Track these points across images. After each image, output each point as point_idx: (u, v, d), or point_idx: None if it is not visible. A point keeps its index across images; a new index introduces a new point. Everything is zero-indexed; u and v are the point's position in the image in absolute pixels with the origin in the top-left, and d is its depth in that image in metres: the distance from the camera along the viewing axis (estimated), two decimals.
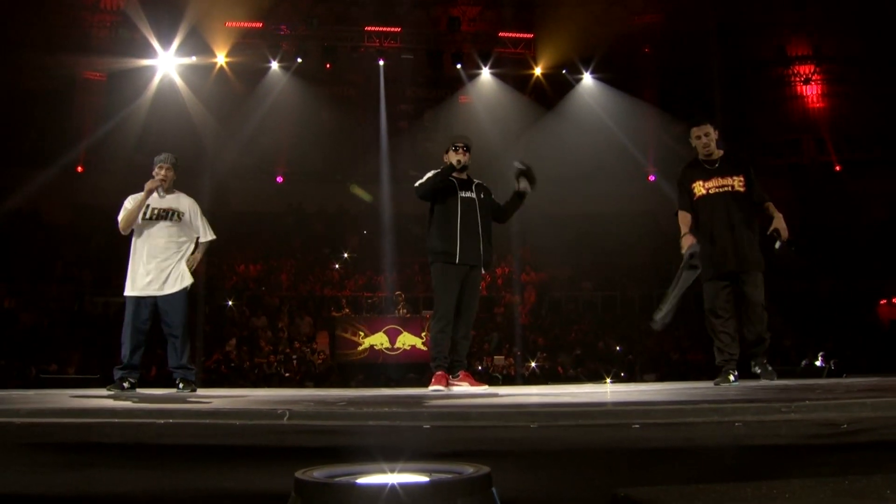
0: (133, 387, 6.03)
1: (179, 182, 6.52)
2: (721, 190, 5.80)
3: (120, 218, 6.23)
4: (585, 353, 17.91)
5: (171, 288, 6.14)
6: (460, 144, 6.22)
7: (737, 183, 5.81)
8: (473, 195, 6.22)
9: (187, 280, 6.23)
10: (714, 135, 5.94)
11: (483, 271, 6.30)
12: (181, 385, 6.10)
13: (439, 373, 5.96)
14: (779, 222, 5.77)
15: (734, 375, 5.77)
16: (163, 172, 6.32)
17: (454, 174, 6.21)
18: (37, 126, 19.83)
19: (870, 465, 2.26)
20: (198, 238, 6.42)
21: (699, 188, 5.88)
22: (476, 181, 6.35)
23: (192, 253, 6.36)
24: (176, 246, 6.25)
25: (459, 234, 6.08)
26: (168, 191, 6.38)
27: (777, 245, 5.72)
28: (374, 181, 21.85)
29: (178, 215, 6.30)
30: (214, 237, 6.50)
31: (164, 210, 6.27)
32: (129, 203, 6.26)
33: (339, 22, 21.09)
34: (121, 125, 19.70)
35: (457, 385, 6.02)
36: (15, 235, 18.74)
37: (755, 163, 6.03)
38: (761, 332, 5.83)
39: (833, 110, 23.28)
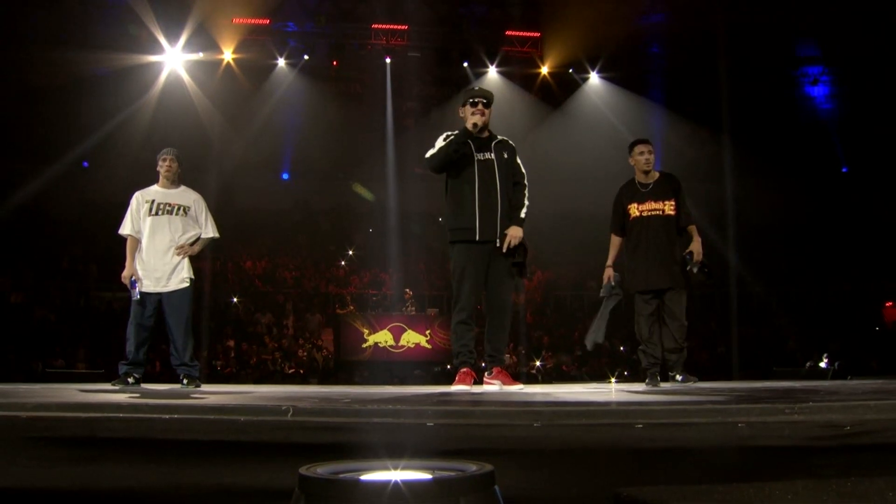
0: (137, 382, 6.02)
1: (186, 178, 6.52)
2: (653, 213, 6.21)
3: (123, 225, 6.26)
4: (589, 353, 17.90)
5: (176, 285, 6.13)
6: (479, 100, 5.39)
7: (667, 207, 6.21)
8: (492, 156, 5.38)
9: (189, 273, 6.20)
10: (652, 155, 6.37)
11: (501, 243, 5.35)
12: (185, 381, 6.11)
13: (463, 370, 5.28)
14: (696, 245, 6.25)
15: (659, 377, 6.16)
16: (167, 164, 6.32)
17: (475, 132, 5.39)
18: (44, 122, 19.84)
19: (873, 467, 2.26)
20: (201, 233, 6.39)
21: (634, 210, 6.27)
22: (498, 138, 5.52)
23: (193, 244, 6.31)
24: (181, 241, 6.21)
25: (478, 206, 5.28)
26: (174, 184, 6.36)
27: (689, 267, 6.21)
28: (380, 179, 21.87)
29: (184, 210, 6.26)
30: (217, 235, 6.43)
31: (170, 205, 6.24)
32: (134, 203, 6.27)
33: (346, 19, 21.07)
34: (127, 121, 19.73)
35: (489, 383, 5.33)
36: (22, 231, 18.79)
37: (682, 188, 6.40)
38: (680, 343, 6.20)
39: (841, 112, 23.20)
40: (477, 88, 5.64)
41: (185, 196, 6.35)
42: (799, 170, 21.58)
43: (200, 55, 20.33)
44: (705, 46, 20.49)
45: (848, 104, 23.00)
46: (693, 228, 6.35)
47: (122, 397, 4.07)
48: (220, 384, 9.49)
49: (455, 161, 5.37)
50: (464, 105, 5.46)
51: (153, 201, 6.25)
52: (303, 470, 1.35)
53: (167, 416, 2.91)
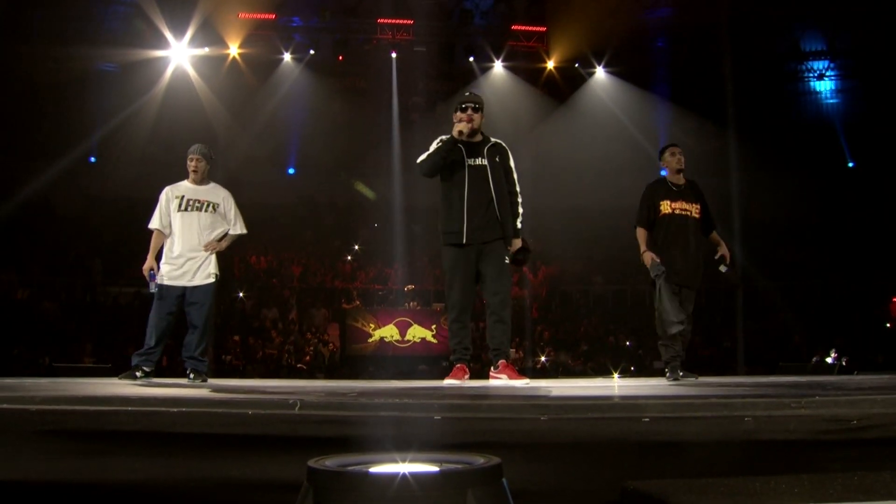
0: (147, 375, 6.03)
1: None
2: (684, 213, 6.40)
3: (153, 220, 6.31)
4: (595, 348, 17.90)
5: (202, 280, 6.16)
6: (468, 104, 5.50)
7: (694, 210, 6.45)
8: (485, 161, 5.50)
9: (216, 270, 6.24)
10: (683, 156, 6.61)
11: (501, 247, 5.53)
12: (192, 375, 6.12)
13: (458, 366, 5.47)
14: (724, 249, 6.59)
15: (681, 371, 6.24)
16: (192, 164, 6.37)
17: (463, 139, 5.50)
18: (50, 118, 19.88)
19: (879, 461, 2.27)
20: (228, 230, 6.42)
21: (666, 206, 6.38)
22: (492, 142, 5.64)
23: (220, 241, 6.33)
24: (209, 237, 6.25)
25: (467, 210, 5.43)
26: (203, 182, 6.40)
27: (722, 268, 6.56)
28: (385, 174, 21.84)
29: (213, 206, 6.31)
30: (245, 232, 6.50)
31: (200, 202, 6.29)
32: (163, 198, 6.31)
33: (351, 14, 21.09)
34: (133, 117, 19.76)
35: (495, 378, 5.44)
36: (28, 226, 18.84)
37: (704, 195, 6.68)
38: (687, 342, 6.41)
39: (847, 106, 23.14)
40: (467, 94, 5.73)
41: (215, 193, 6.39)
42: (805, 165, 21.52)
43: (206, 50, 20.35)
44: (711, 40, 20.45)
45: (854, 99, 22.93)
46: (716, 234, 6.66)
47: (130, 390, 4.08)
48: (226, 378, 9.52)
49: (447, 166, 5.51)
50: (455, 111, 5.56)
51: (182, 197, 6.28)
52: (311, 462, 1.35)
53: (175, 410, 2.92)
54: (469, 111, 5.48)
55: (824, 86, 23.62)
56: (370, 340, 17.81)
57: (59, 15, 19.26)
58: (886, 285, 18.43)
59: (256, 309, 18.63)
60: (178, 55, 20.17)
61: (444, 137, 5.54)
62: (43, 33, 19.16)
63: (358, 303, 18.94)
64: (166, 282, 6.13)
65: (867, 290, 18.60)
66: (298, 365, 16.34)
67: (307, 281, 20.34)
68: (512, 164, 5.73)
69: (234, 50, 20.60)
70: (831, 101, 23.60)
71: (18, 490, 2.06)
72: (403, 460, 1.39)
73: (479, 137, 5.61)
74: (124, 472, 2.22)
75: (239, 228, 6.44)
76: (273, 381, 8.19)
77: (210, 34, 19.98)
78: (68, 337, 15.69)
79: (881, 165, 20.89)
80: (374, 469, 1.34)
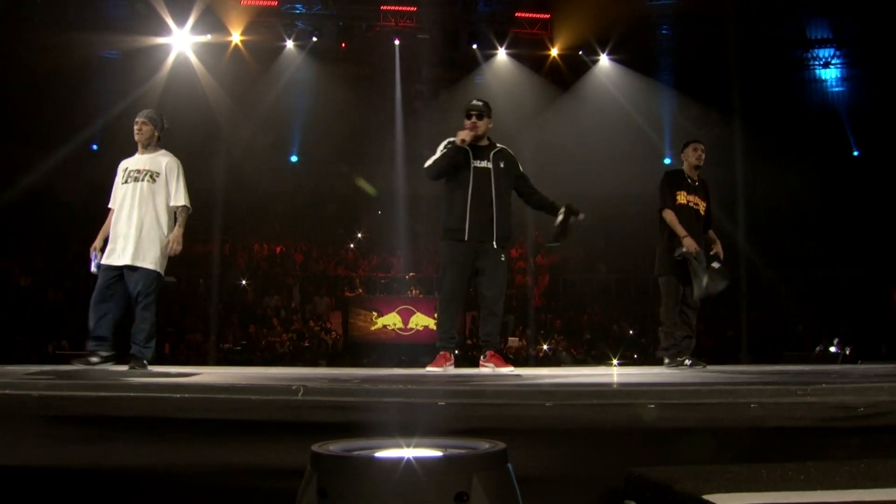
0: (104, 361, 5.47)
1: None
2: (695, 206, 6.62)
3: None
4: (599, 336, 17.91)
5: (138, 262, 5.51)
6: (473, 112, 5.70)
7: (702, 207, 6.68)
8: (489, 164, 5.69)
9: (154, 264, 5.56)
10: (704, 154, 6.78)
11: (496, 247, 5.65)
12: (131, 363, 5.50)
13: (441, 353, 5.67)
14: (718, 247, 6.78)
15: (690, 359, 6.37)
16: (136, 128, 5.83)
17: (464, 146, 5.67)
18: (52, 105, 19.87)
19: (886, 448, 2.26)
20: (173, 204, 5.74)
21: (682, 196, 6.59)
22: (498, 147, 5.82)
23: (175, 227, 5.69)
24: (151, 210, 5.62)
25: (469, 209, 5.61)
26: (148, 149, 5.83)
27: (715, 264, 6.48)
28: (388, 161, 21.82)
29: (152, 175, 5.68)
30: (186, 204, 5.72)
31: (139, 171, 5.71)
32: (116, 174, 5.84)
33: (354, 1, 21.00)
34: (135, 104, 19.68)
35: (484, 366, 5.63)
36: (31, 214, 18.85)
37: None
38: (695, 330, 6.60)
39: (852, 95, 23.05)
40: (474, 101, 5.85)
41: (156, 161, 5.76)
42: (810, 153, 21.45)
43: (208, 37, 20.28)
44: (716, 28, 20.35)
45: (860, 87, 22.84)
46: (712, 232, 6.84)
47: (132, 377, 4.08)
48: (228, 366, 9.54)
49: (452, 166, 5.70)
50: (464, 118, 5.75)
51: (126, 169, 5.78)
52: (315, 447, 1.34)
53: (178, 396, 2.92)
54: (473, 118, 5.68)
55: (830, 74, 23.52)
56: (373, 328, 17.84)
57: (60, 1, 19.22)
58: (890, 275, 18.40)
59: (259, 297, 18.66)
60: (181, 42, 20.12)
61: (449, 141, 5.71)
62: (44, 20, 19.11)
63: (361, 291, 18.96)
64: (103, 261, 5.58)
65: (871, 280, 18.58)
66: (301, 353, 16.38)
67: (310, 269, 20.35)
68: (521, 169, 5.93)
69: (236, 37, 20.54)
70: (837, 89, 23.51)
71: (22, 475, 2.05)
72: (408, 445, 1.38)
73: (485, 142, 5.80)
74: (126, 457, 2.22)
75: (182, 200, 5.70)
76: (275, 368, 8.19)
77: (212, 21, 19.91)
78: (72, 324, 15.72)
79: (886, 154, 20.80)
80: (379, 454, 1.33)
